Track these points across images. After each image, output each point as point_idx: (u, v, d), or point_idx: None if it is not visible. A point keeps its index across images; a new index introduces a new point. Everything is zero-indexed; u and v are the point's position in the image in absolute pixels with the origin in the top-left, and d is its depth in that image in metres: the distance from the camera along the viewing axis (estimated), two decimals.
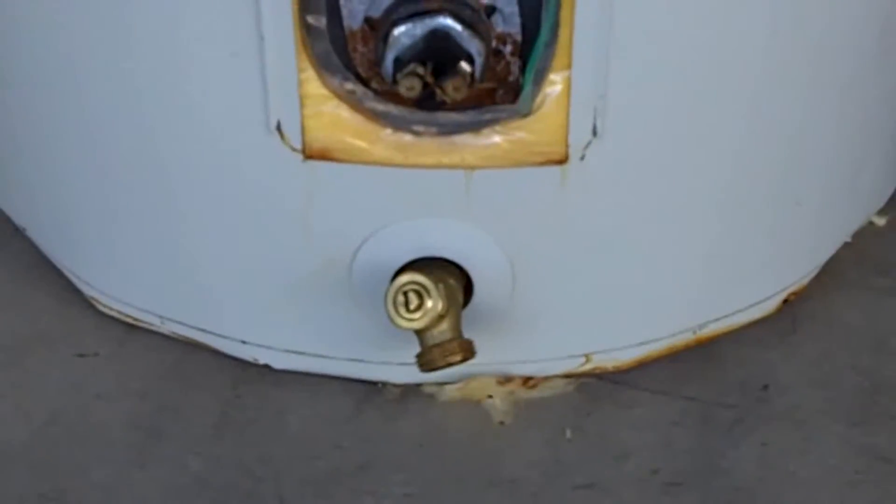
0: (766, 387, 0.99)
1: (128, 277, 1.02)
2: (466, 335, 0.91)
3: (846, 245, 1.08)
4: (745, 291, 1.02)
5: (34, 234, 1.07)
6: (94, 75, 0.92)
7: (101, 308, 1.04)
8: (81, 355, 1.02)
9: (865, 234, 1.10)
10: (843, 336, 1.04)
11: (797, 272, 1.05)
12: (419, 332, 0.89)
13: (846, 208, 1.07)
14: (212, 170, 0.92)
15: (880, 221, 1.12)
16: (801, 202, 1.00)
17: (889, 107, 1.05)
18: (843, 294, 1.07)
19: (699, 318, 1.00)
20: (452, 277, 0.91)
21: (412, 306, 0.88)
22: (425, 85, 0.84)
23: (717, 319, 1.01)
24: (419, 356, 0.90)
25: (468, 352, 0.90)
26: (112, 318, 1.04)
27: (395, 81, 0.84)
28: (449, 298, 0.89)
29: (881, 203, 1.11)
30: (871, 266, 1.09)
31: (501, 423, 0.97)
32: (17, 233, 1.09)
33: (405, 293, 0.88)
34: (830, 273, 1.07)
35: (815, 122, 0.97)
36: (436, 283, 0.89)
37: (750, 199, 0.97)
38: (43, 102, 0.97)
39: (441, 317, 0.89)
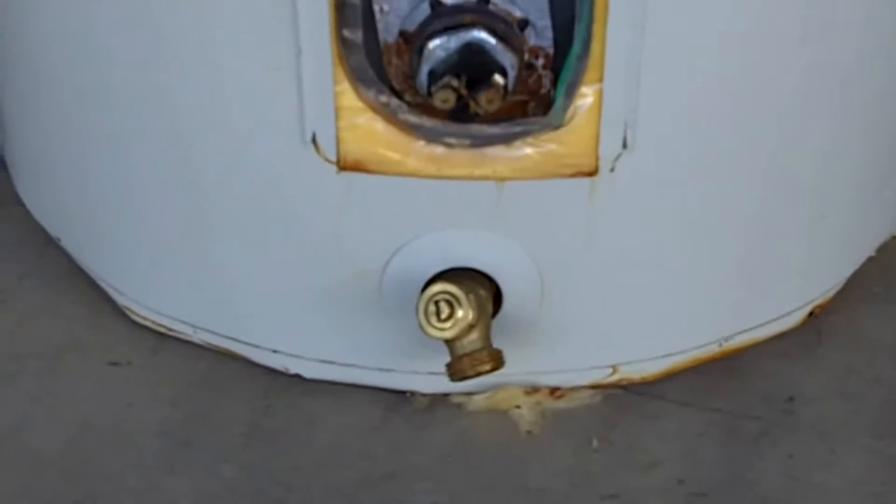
0: (791, 399, 0.99)
1: (161, 287, 1.02)
2: (495, 345, 0.91)
3: (871, 259, 1.08)
4: (771, 304, 1.02)
5: (68, 244, 1.08)
6: (131, 87, 0.92)
7: (134, 317, 1.05)
8: (114, 364, 1.02)
9: (890, 248, 1.10)
10: (868, 349, 1.04)
11: (822, 285, 1.05)
12: (449, 342, 0.90)
13: (871, 222, 1.07)
14: (246, 180, 0.93)
15: None
16: (826, 216, 1.00)
17: None
18: (868, 307, 1.07)
19: (725, 330, 1.00)
20: (482, 288, 0.92)
21: (443, 316, 0.89)
22: (459, 97, 0.85)
23: (742, 332, 1.01)
24: (449, 365, 0.90)
25: (497, 361, 0.91)
26: (145, 327, 1.04)
27: (429, 94, 0.85)
28: (479, 308, 0.90)
29: None
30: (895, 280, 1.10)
31: (529, 432, 0.97)
32: (52, 243, 1.09)
33: (436, 303, 0.89)
34: (855, 286, 1.07)
35: (844, 138, 0.97)
36: (466, 293, 0.89)
37: (777, 213, 0.97)
38: (78, 114, 0.98)
39: (471, 326, 0.89)
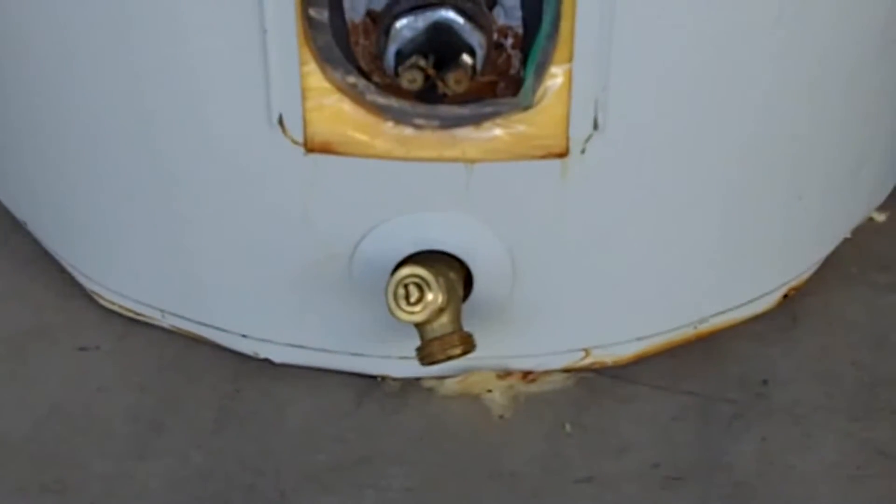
0: (765, 382, 0.99)
1: (128, 271, 1.01)
2: (466, 329, 0.91)
3: (846, 241, 1.08)
4: (746, 286, 1.01)
5: (35, 228, 1.07)
6: (94, 67, 0.91)
7: (102, 302, 1.04)
8: (83, 349, 1.02)
9: (866, 229, 1.10)
10: (843, 331, 1.04)
11: (798, 267, 1.04)
12: (419, 326, 0.89)
13: (847, 203, 1.06)
14: (212, 163, 0.92)
15: (880, 217, 1.12)
16: (802, 196, 1.00)
17: (890, 104, 1.05)
18: (844, 289, 1.07)
19: (699, 312, 1.00)
20: (452, 271, 0.91)
21: (412, 299, 0.88)
22: (427, 77, 0.84)
23: (717, 314, 1.01)
24: (419, 349, 0.90)
25: (468, 345, 0.90)
26: (113, 312, 1.04)
27: (396, 74, 0.84)
28: (449, 292, 0.89)
29: (881, 199, 1.11)
30: (872, 262, 1.09)
31: (501, 417, 0.97)
32: (19, 227, 1.09)
33: (406, 286, 0.88)
34: (831, 268, 1.07)
35: (819, 118, 0.97)
36: (436, 276, 0.89)
37: (752, 194, 0.97)
38: (42, 95, 0.97)
39: (441, 310, 0.89)
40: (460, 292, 0.92)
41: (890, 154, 1.09)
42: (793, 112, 0.95)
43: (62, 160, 0.99)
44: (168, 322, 1.02)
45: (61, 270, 1.06)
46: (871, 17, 0.95)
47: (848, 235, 1.08)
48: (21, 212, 1.08)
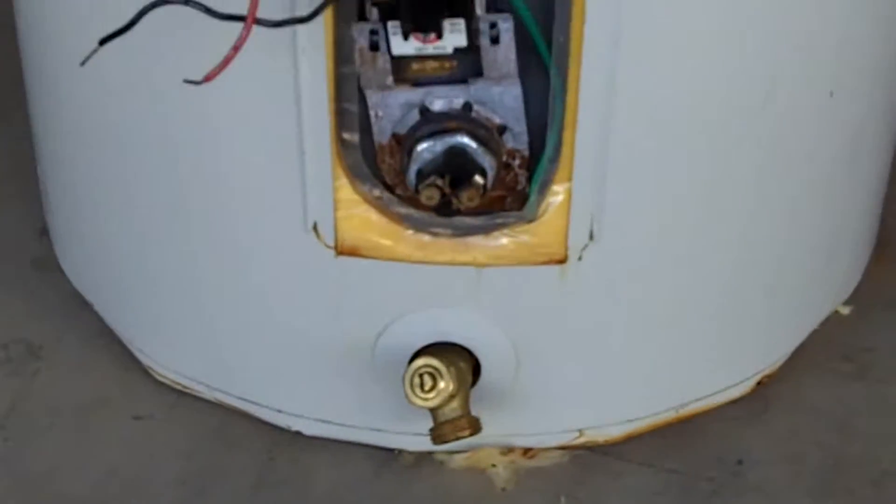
0: (740, 461, 0.96)
1: (179, 349, 1.00)
2: (474, 411, 0.89)
3: (815, 332, 1.05)
4: (723, 375, 0.99)
5: (100, 308, 1.05)
6: (152, 180, 0.91)
7: (156, 375, 1.02)
8: (138, 417, 1.00)
9: (832, 322, 1.07)
10: (811, 416, 1.00)
11: (770, 357, 1.02)
12: (432, 410, 0.87)
13: (816, 298, 1.04)
14: (254, 261, 0.91)
15: (845, 311, 1.09)
16: (777, 295, 0.98)
17: (855, 209, 1.03)
18: (812, 377, 1.03)
19: (681, 398, 0.97)
20: (463, 361, 0.90)
21: (426, 387, 0.86)
22: (443, 194, 0.82)
23: (696, 400, 0.98)
24: (432, 430, 0.88)
25: (476, 427, 0.89)
26: (165, 384, 1.01)
27: (417, 191, 0.83)
28: (459, 380, 0.88)
29: (846, 294, 1.08)
30: (837, 352, 1.05)
31: (503, 489, 0.95)
32: (87, 306, 1.07)
33: (420, 375, 0.87)
34: (800, 358, 1.04)
35: (799, 225, 0.95)
36: (448, 366, 0.87)
37: (732, 294, 0.95)
38: (104, 202, 0.97)
39: (452, 396, 0.87)
40: (469, 380, 0.90)
41: (853, 255, 1.07)
42: (772, 221, 0.93)
43: (121, 255, 0.98)
44: (213, 395, 1.00)
45: (122, 346, 1.04)
46: (840, 136, 0.94)
47: (816, 328, 1.05)
48: (89, 294, 1.06)
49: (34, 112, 1.03)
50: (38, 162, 1.07)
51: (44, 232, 1.13)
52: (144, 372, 1.03)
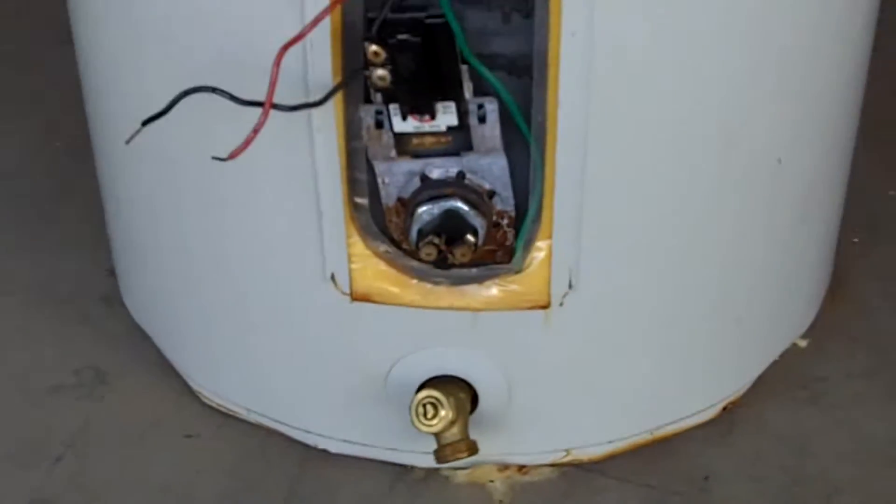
0: (707, 478, 0.99)
1: (222, 377, 1.05)
2: (474, 433, 0.94)
3: (775, 363, 1.07)
4: (693, 401, 1.02)
5: (158, 340, 1.11)
6: (199, 240, 0.97)
7: (204, 400, 1.07)
8: (188, 436, 1.04)
9: (791, 353, 1.09)
10: (772, 438, 1.03)
11: (735, 385, 1.05)
12: (435, 435, 0.92)
13: (777, 331, 1.07)
14: (281, 306, 0.96)
15: (803, 343, 1.11)
16: (741, 326, 1.00)
17: (811, 255, 1.07)
18: (772, 403, 1.05)
19: (655, 421, 1.01)
20: (462, 391, 0.94)
21: (430, 415, 0.91)
22: (440, 251, 0.87)
23: (669, 423, 1.02)
24: (435, 452, 0.93)
25: (473, 450, 0.93)
26: (212, 407, 1.06)
27: (417, 247, 0.87)
28: (458, 408, 0.92)
29: (804, 328, 1.11)
30: (795, 381, 1.08)
31: (501, 501, 0.98)
32: (148, 338, 1.12)
33: (424, 405, 0.91)
34: (762, 385, 1.06)
35: (755, 272, 0.98)
36: (448, 397, 0.92)
37: (700, 331, 0.99)
38: (158, 252, 1.02)
39: (453, 423, 0.92)
40: (468, 408, 0.94)
41: (810, 293, 1.10)
42: (736, 272, 0.96)
43: (177, 296, 1.04)
44: (252, 418, 1.05)
45: (176, 374, 1.09)
46: (791, 199, 0.97)
47: (777, 358, 1.07)
48: (149, 328, 1.12)
49: (100, 175, 1.09)
50: (105, 214, 1.12)
51: (112, 272, 1.18)
52: (194, 396, 1.08)
